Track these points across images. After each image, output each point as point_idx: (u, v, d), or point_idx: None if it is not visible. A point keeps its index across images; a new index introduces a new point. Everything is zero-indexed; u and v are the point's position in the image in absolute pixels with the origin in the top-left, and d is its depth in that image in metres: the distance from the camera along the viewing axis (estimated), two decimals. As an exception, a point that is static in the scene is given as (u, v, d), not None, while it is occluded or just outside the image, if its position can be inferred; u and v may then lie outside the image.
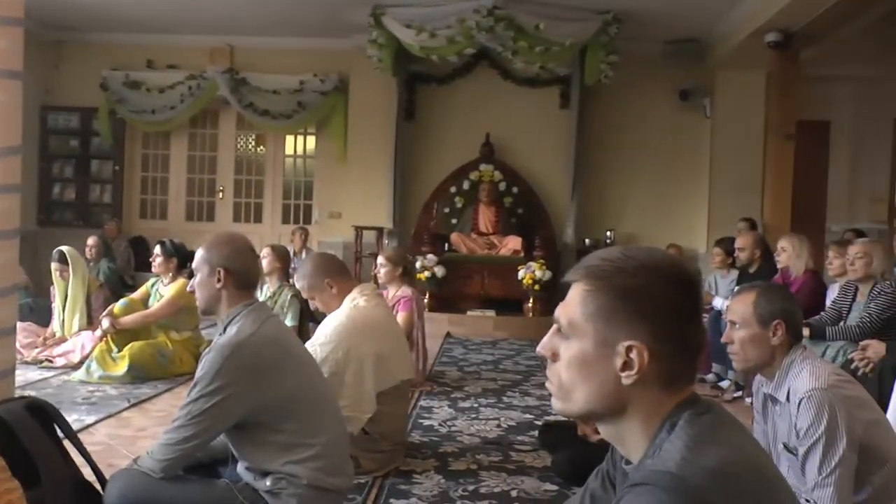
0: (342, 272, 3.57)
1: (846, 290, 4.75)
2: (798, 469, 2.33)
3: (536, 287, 8.45)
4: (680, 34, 9.42)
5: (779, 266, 5.56)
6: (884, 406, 3.35)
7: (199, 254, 2.52)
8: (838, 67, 9.60)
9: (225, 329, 2.43)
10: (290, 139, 10.95)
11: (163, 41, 10.30)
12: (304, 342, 3.16)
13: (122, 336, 5.57)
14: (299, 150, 11.01)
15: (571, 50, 8.75)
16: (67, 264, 6.09)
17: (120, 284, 8.33)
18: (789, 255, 5.44)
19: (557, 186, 9.78)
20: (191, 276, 2.58)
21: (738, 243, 6.15)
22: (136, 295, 5.95)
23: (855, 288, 4.67)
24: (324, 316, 3.55)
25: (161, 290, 5.82)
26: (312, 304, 3.60)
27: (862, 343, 4.14)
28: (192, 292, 2.54)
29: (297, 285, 3.59)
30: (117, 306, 5.73)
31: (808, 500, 2.24)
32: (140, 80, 10.22)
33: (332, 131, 10.23)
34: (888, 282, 4.51)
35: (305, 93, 10.08)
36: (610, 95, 9.65)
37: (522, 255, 8.82)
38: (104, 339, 5.56)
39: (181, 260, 5.75)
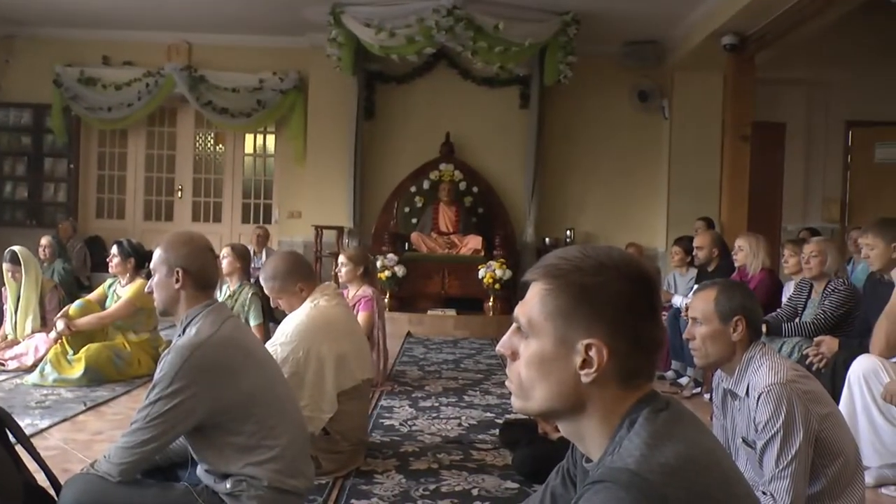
0: (311, 275, 3.56)
1: (801, 287, 4.84)
2: (756, 462, 2.37)
3: (496, 286, 8.48)
4: (639, 36, 9.53)
5: (736, 264, 5.65)
6: (836, 400, 3.44)
7: (158, 254, 2.49)
8: (793, 70, 9.75)
9: (184, 330, 2.41)
10: (249, 138, 10.87)
11: (119, 37, 10.13)
12: (266, 342, 3.14)
13: (77, 338, 5.47)
14: (259, 149, 10.94)
15: (531, 50, 8.80)
16: (20, 265, 5.96)
17: (75, 285, 8.20)
18: (746, 253, 5.52)
19: (517, 186, 9.84)
20: (149, 276, 2.55)
21: (696, 242, 6.23)
22: (93, 296, 5.85)
23: (810, 285, 4.76)
24: (284, 315, 3.53)
25: (118, 291, 5.73)
26: (274, 303, 3.57)
27: (816, 339, 4.20)
28: (151, 293, 2.51)
29: (265, 286, 3.54)
30: (73, 308, 5.63)
31: (764, 493, 2.28)
32: (95, 76, 10.05)
33: (292, 130, 10.18)
34: (841, 279, 4.61)
35: (264, 91, 10.01)
36: (569, 96, 9.72)
37: (483, 254, 8.85)
38: (59, 341, 5.45)
39: (139, 260, 5.67)
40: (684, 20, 8.86)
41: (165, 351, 2.34)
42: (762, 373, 2.38)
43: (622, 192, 10.07)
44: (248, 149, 10.92)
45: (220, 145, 10.94)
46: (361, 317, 5.18)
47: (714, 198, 9.43)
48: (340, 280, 5.57)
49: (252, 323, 5.23)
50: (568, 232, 9.80)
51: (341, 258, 5.54)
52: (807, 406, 2.29)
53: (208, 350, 2.29)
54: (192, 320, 2.41)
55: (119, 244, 5.73)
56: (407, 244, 9.11)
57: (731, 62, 8.45)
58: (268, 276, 3.49)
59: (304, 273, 3.51)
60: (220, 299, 4.82)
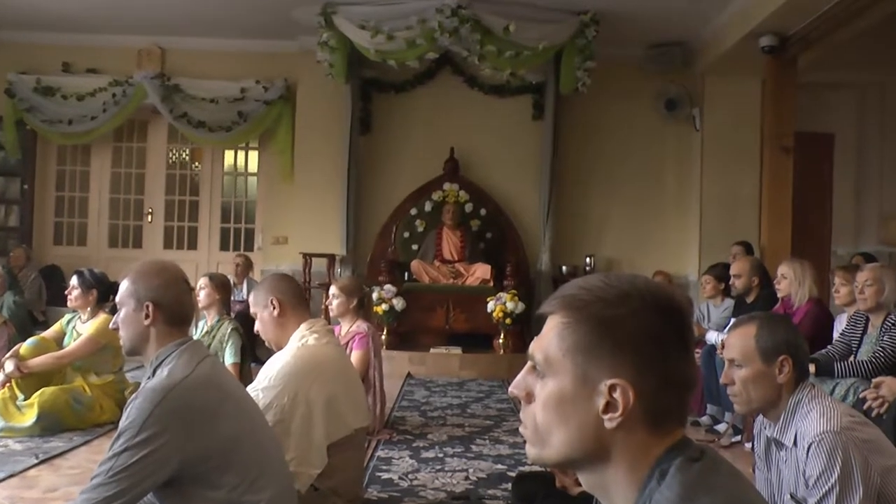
0: (295, 298, 3.53)
1: (856, 320, 4.79)
2: (807, 523, 2.33)
3: (508, 320, 8.49)
4: (665, 37, 9.59)
5: (779, 295, 5.62)
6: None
7: (125, 285, 2.50)
8: (841, 73, 9.78)
9: (154, 371, 2.40)
10: (229, 154, 10.94)
11: (82, 41, 10.19)
12: (246, 385, 3.13)
13: (29, 381, 5.41)
14: (240, 167, 10.99)
15: (545, 55, 8.84)
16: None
17: (28, 321, 8.18)
18: (790, 282, 5.50)
19: (531, 208, 9.87)
20: (114, 310, 2.56)
21: (732, 270, 6.22)
22: (49, 333, 5.80)
23: (865, 318, 4.71)
24: (269, 355, 3.52)
25: (78, 327, 5.70)
26: (257, 327, 3.56)
27: (875, 380, 4.14)
28: (116, 329, 2.51)
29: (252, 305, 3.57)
30: (24, 346, 5.56)
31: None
32: (54, 85, 10.08)
33: (278, 145, 10.23)
34: (902, 311, 4.56)
35: (247, 101, 10.07)
36: (588, 106, 9.78)
37: (492, 284, 8.87)
38: (7, 384, 5.39)
39: (102, 292, 5.64)
40: (716, 19, 8.90)
41: (133, 395, 2.34)
42: (812, 419, 2.35)
43: (648, 213, 10.10)
44: (228, 166, 10.97)
45: (197, 163, 10.99)
46: (355, 356, 5.19)
47: (753, 219, 9.45)
48: (331, 314, 5.58)
49: (227, 361, 5.22)
50: (588, 259, 9.82)
51: (333, 289, 5.55)
52: (866, 457, 2.25)
53: (182, 393, 2.28)
54: (163, 360, 2.41)
55: (80, 274, 5.69)
56: (406, 274, 9.11)
57: (771, 65, 8.47)
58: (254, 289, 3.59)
59: (282, 289, 3.49)
60: (195, 336, 4.82)
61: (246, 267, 9.19)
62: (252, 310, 3.54)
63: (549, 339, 1.19)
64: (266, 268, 10.00)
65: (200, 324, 5.54)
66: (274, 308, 3.45)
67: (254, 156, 10.90)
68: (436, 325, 8.84)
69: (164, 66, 10.27)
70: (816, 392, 2.46)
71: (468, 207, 9.71)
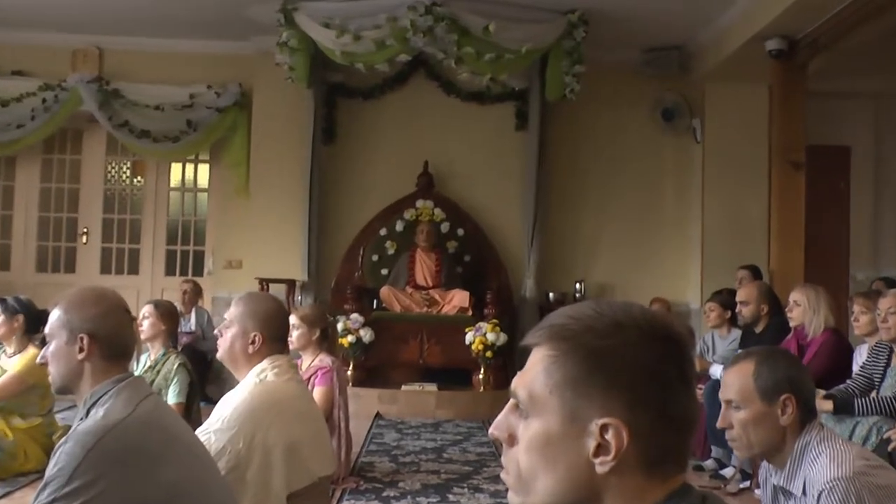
0: (278, 333, 3.47)
1: (878, 352, 4.81)
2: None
3: (489, 354, 8.52)
4: (661, 40, 9.67)
5: (791, 324, 5.65)
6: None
7: (56, 315, 2.47)
8: (857, 81, 9.85)
9: (87, 412, 2.37)
10: (176, 168, 10.90)
11: (8, 39, 10.08)
12: (194, 428, 3.10)
13: (-57, 425, 5.34)
14: (188, 182, 10.97)
15: (529, 58, 8.90)
16: None
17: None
18: (804, 310, 5.52)
19: (514, 228, 9.91)
20: (43, 343, 2.53)
21: (739, 296, 6.26)
22: (-32, 369, 5.73)
23: (889, 350, 4.73)
24: (221, 394, 3.48)
25: (2, 362, 5.64)
26: (220, 354, 3.50)
27: (901, 418, 4.16)
28: (45, 364, 2.48)
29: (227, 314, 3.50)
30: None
31: None
32: (-26, 89, 9.97)
33: (231, 158, 10.21)
34: (930, 342, 4.58)
35: (197, 109, 10.04)
36: (576, 115, 9.85)
37: (471, 313, 8.90)
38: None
39: (30, 322, 5.59)
40: (717, 20, 8.98)
41: (62, 439, 2.29)
42: (821, 464, 2.35)
43: (644, 234, 10.15)
44: (175, 181, 10.93)
45: (139, 177, 10.95)
46: (318, 393, 5.21)
47: (761, 240, 9.50)
48: (291, 347, 5.48)
49: (172, 400, 5.16)
50: (578, 285, 9.81)
51: (293, 319, 5.51)
52: (882, 504, 2.25)
53: (120, 435, 2.23)
54: (98, 399, 2.37)
55: (3, 302, 5.66)
56: (375, 301, 9.14)
57: (778, 72, 8.55)
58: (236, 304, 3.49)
59: (272, 325, 3.41)
60: (136, 372, 4.77)
61: (194, 294, 9.15)
62: (219, 330, 3.46)
63: (534, 374, 1.19)
64: (218, 294, 9.98)
65: (143, 358, 5.50)
66: (253, 344, 3.40)
67: (204, 169, 10.87)
68: (408, 358, 8.85)
69: (102, 68, 10.21)
70: (826, 434, 2.46)
71: (444, 227, 9.72)
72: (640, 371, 1.16)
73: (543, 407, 1.18)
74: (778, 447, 2.48)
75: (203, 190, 10.90)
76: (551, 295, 9.63)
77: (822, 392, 4.57)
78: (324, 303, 9.18)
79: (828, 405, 4.57)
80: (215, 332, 3.52)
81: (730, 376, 2.56)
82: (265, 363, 3.42)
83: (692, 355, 1.25)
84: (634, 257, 10.12)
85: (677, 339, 1.20)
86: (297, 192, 9.72)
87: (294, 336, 5.46)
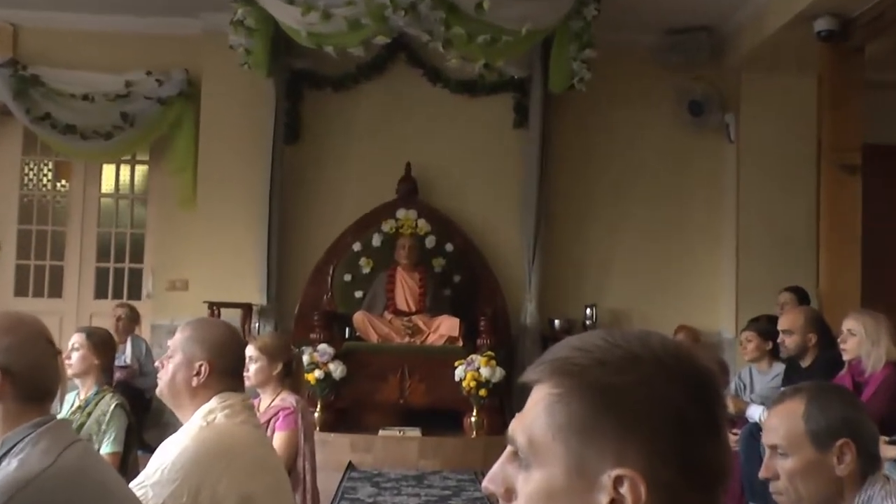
0: (232, 365, 3.47)
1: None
2: None
3: (482, 392, 8.49)
4: (687, 20, 9.69)
5: (845, 357, 5.62)
6: None
7: (-40, 346, 2.44)
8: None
9: (-1, 462, 2.33)
10: (108, 171, 10.90)
11: None
12: (129, 481, 3.05)
13: None
14: (123, 188, 10.98)
15: (529, 41, 8.92)
16: None
17: None
18: (860, 340, 5.50)
19: (512, 242, 9.94)
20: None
21: (781, 324, 6.23)
22: None
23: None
24: (161, 440, 3.44)
25: None
26: (160, 388, 3.46)
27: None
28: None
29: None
30: None
31: None
32: None
33: (176, 159, 10.19)
34: None
35: (134, 99, 10.00)
36: (586, 109, 9.91)
37: (461, 344, 8.90)
38: None
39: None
40: (754, -2, 9.02)
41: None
42: None
43: (668, 250, 10.17)
44: (108, 187, 10.94)
45: (63, 181, 10.94)
46: (279, 439, 5.13)
47: (808, 257, 9.54)
48: (247, 383, 5.37)
49: (105, 450, 5.11)
50: (588, 310, 9.83)
51: (249, 350, 5.35)
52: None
53: (36, 492, 2.20)
54: (11, 448, 2.32)
55: None
56: (348, 330, 9.17)
57: (829, 57, 8.54)
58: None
59: (224, 354, 3.42)
60: (61, 414, 4.74)
61: (130, 321, 9.08)
62: (160, 361, 3.45)
63: (535, 416, 1.20)
64: (158, 322, 9.99)
65: (70, 396, 5.42)
66: (199, 375, 3.38)
67: (142, 173, 10.88)
68: (387, 398, 8.82)
69: (17, 50, 10.17)
70: (892, 488, 2.44)
71: (430, 242, 9.73)
72: (661, 414, 1.16)
73: (546, 455, 1.18)
74: (833, 502, 2.46)
75: (141, 198, 10.91)
76: (556, 322, 9.68)
77: (885, 438, 4.54)
78: (286, 331, 9.19)
79: (891, 452, 4.54)
80: (155, 364, 3.50)
81: (775, 418, 2.56)
82: (214, 402, 3.40)
83: (722, 394, 1.24)
84: (656, 278, 10.13)
85: (705, 374, 1.20)
86: (255, 200, 9.73)
87: (251, 370, 5.34)
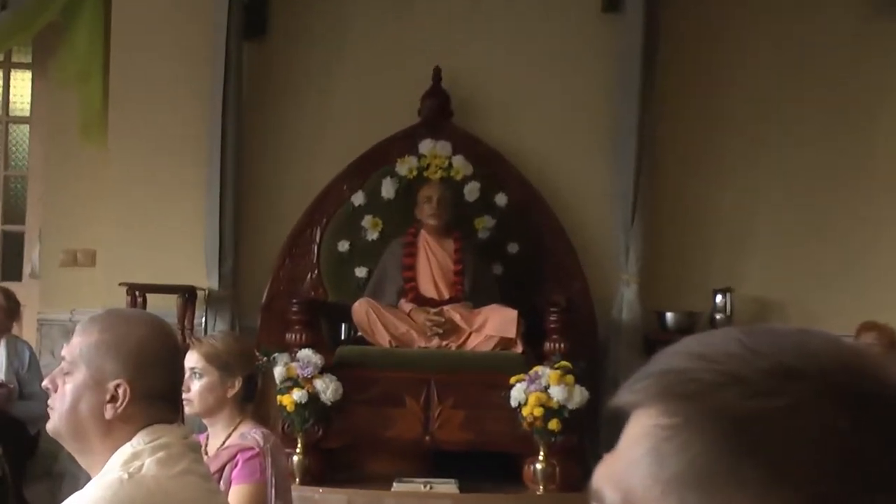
0: (164, 386, 3.41)
1: None
2: None
3: (553, 424, 8.45)
4: None
5: None
6: None
7: None
8: None
9: None
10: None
11: None
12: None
13: None
14: (-4, 106, 11.11)
15: None
16: None
17: None
18: None
19: (599, 194, 9.96)
20: None
21: None
22: None
23: None
24: (55, 501, 3.37)
25: None
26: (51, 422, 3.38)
27: None
28: None
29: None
30: None
31: None
32: None
33: (74, 63, 10.17)
34: None
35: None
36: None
37: (520, 349, 8.87)
38: None
39: None
40: None
41: None
42: None
43: (843, 211, 10.14)
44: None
45: None
46: (238, 495, 5.17)
47: None
48: (189, 410, 5.46)
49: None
50: (718, 298, 9.80)
51: (192, 360, 5.44)
52: None
53: None
54: None
55: None
56: (345, 328, 9.30)
57: None
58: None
59: (150, 365, 3.34)
60: None
61: (6, 314, 9.02)
62: (50, 380, 3.36)
63: (635, 461, 1.16)
64: (49, 315, 10.15)
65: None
66: (114, 402, 3.28)
67: (23, 83, 11.02)
68: (404, 433, 8.79)
69: None
70: None
71: (471, 192, 9.69)
72: (830, 458, 1.10)
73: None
74: None
75: (21, 120, 11.08)
76: (668, 317, 9.72)
77: None
78: (248, 331, 9.19)
79: None
80: (44, 385, 3.48)
81: None
82: (138, 441, 3.34)
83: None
84: (823, 252, 10.10)
85: None
86: (199, 129, 9.73)
87: (194, 390, 5.40)
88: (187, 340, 8.04)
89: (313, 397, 8.39)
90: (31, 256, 10.67)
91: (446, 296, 9.23)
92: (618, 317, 9.62)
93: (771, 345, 1.16)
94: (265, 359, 6.44)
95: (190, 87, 9.75)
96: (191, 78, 9.74)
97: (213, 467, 5.00)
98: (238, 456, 5.23)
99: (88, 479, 3.34)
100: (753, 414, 1.11)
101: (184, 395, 5.31)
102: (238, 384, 5.36)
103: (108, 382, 3.25)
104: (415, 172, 9.63)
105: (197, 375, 5.36)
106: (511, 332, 8.84)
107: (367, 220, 9.63)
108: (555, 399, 8.33)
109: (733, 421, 1.11)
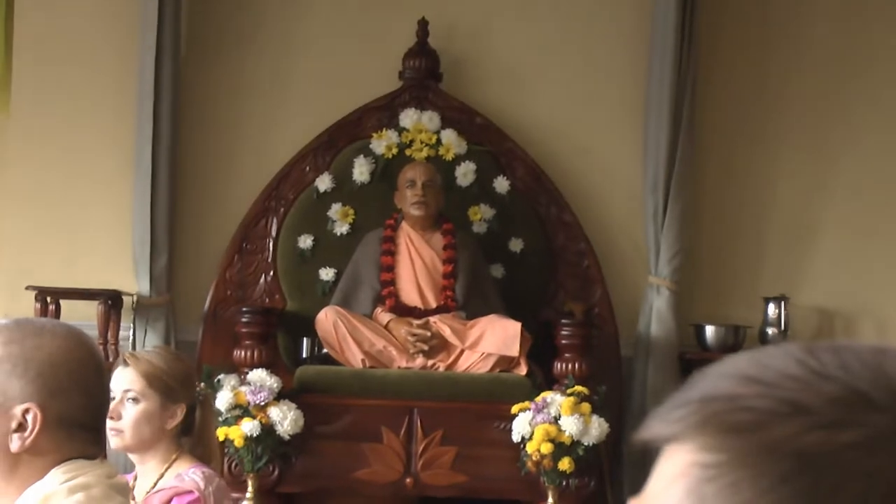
0: (83, 413, 3.39)
1: None
2: None
3: (565, 465, 8.46)
4: None
5: None
6: None
7: None
8: None
9: None
10: None
11: None
12: None
13: None
14: None
15: None
16: None
17: None
18: None
19: (623, 180, 9.96)
20: None
21: None
22: None
23: None
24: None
25: None
26: None
27: None
28: None
29: None
30: None
31: None
32: None
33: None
34: None
35: None
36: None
37: (524, 370, 8.89)
38: None
39: None
40: None
41: None
42: None
43: None
44: None
45: None
46: None
47: None
48: (115, 444, 5.43)
49: None
50: (771, 307, 9.83)
51: (125, 378, 5.45)
52: None
53: None
54: None
55: None
56: (307, 343, 9.37)
57: None
58: None
59: (66, 386, 3.33)
60: None
61: None
62: None
63: None
64: None
65: None
66: (22, 431, 3.25)
67: None
68: (380, 475, 8.83)
69: None
70: None
71: (464, 174, 9.70)
72: None
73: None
74: None
75: None
76: (709, 330, 9.74)
77: None
78: (187, 345, 9.24)
79: None
80: None
81: None
82: (52, 479, 3.33)
83: None
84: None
85: None
86: (124, 98, 9.78)
87: (127, 418, 5.39)
88: (112, 359, 8.03)
89: (267, 429, 8.40)
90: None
91: (433, 304, 9.26)
92: (646, 331, 9.65)
93: (839, 366, 1.13)
94: (206, 383, 6.45)
95: (112, 40, 9.79)
96: (113, 29, 9.78)
97: (145, 514, 5.06)
98: (174, 501, 5.21)
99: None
100: (822, 451, 1.09)
101: (110, 424, 5.30)
102: (180, 413, 5.39)
103: (14, 407, 3.24)
104: (394, 151, 9.67)
105: (132, 400, 5.37)
106: (513, 350, 8.85)
107: (334, 210, 9.67)
108: (567, 433, 8.36)
109: (795, 459, 1.09)
